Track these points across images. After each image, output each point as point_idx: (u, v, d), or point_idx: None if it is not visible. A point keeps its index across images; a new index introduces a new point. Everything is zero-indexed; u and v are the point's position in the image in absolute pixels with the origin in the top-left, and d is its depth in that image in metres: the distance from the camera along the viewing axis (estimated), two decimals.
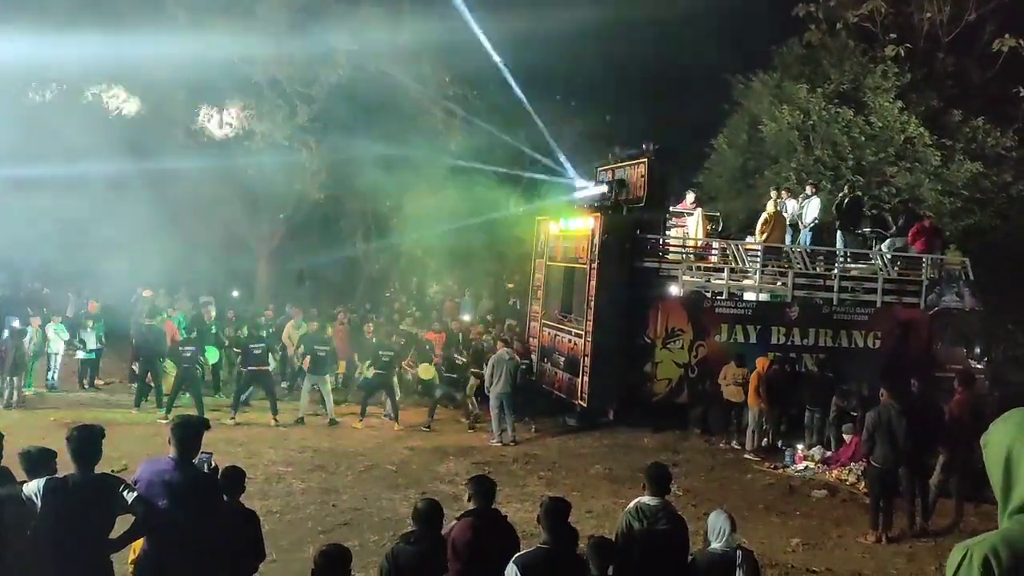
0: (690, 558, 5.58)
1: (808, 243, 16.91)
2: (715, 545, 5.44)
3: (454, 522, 5.33)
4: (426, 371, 15.67)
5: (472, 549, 5.08)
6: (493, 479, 5.73)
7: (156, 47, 17.95)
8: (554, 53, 23.42)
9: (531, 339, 17.49)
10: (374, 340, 15.47)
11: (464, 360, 15.11)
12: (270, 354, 14.91)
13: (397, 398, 14.73)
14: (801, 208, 17.32)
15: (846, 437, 12.72)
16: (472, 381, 14.95)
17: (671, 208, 17.22)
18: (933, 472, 10.44)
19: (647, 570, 5.49)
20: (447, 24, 20.68)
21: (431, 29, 20.87)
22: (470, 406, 14.84)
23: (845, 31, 23.34)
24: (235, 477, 5.72)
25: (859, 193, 18.23)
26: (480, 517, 5.27)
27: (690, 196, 17.96)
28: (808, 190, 17.73)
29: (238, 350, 15.05)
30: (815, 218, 17.15)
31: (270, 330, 16.54)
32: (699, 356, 15.14)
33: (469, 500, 5.39)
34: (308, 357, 14.43)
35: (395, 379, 14.86)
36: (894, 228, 17.26)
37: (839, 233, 17.17)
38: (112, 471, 6.58)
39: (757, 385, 13.64)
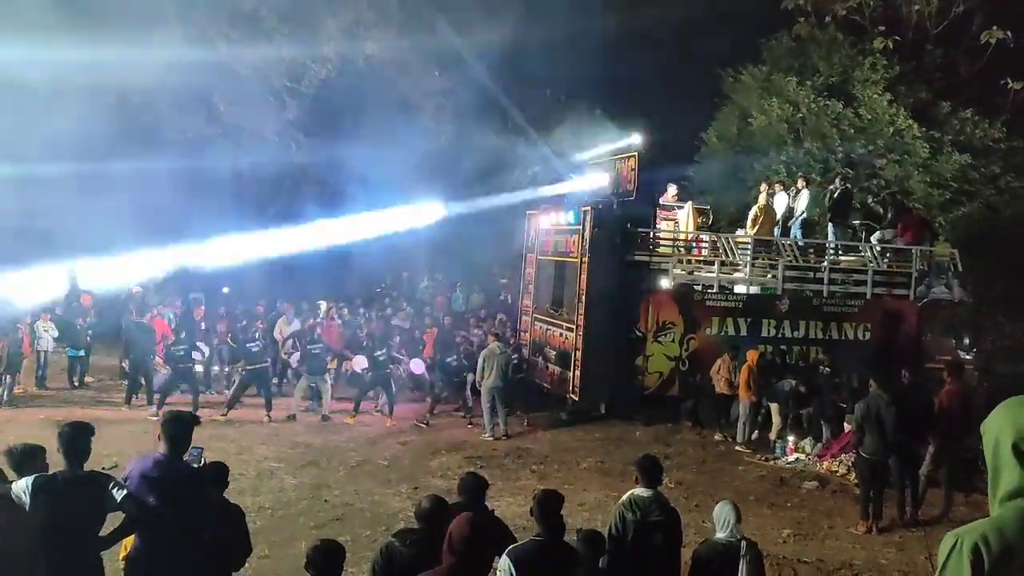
0: (695, 548, 5.62)
1: (799, 236, 16.95)
2: (720, 535, 5.49)
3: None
4: (417, 366, 15.66)
5: (469, 545, 5.08)
6: (484, 477, 5.73)
7: (145, 43, 17.84)
8: (543, 48, 23.36)
9: (522, 333, 17.50)
10: (364, 340, 15.50)
11: (456, 362, 15.06)
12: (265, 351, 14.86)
13: (393, 394, 14.71)
14: (792, 202, 17.34)
15: (847, 427, 12.74)
16: (468, 376, 14.91)
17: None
18: (922, 462, 10.50)
19: (641, 561, 5.51)
20: (437, 18, 20.64)
21: (420, 24, 20.83)
22: (469, 404, 14.80)
23: (834, 24, 23.40)
24: (218, 472, 5.71)
25: (849, 186, 18.28)
26: (478, 514, 5.30)
27: (672, 189, 17.94)
28: (799, 183, 17.77)
29: (235, 345, 14.96)
30: (804, 211, 17.17)
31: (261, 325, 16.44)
32: (690, 349, 15.18)
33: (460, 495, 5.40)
34: (298, 354, 14.49)
35: (390, 376, 14.83)
36: (884, 220, 17.32)
37: (830, 226, 17.23)
38: (103, 468, 6.56)
39: (747, 378, 13.69)
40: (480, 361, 13.82)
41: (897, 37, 22.71)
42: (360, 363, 14.79)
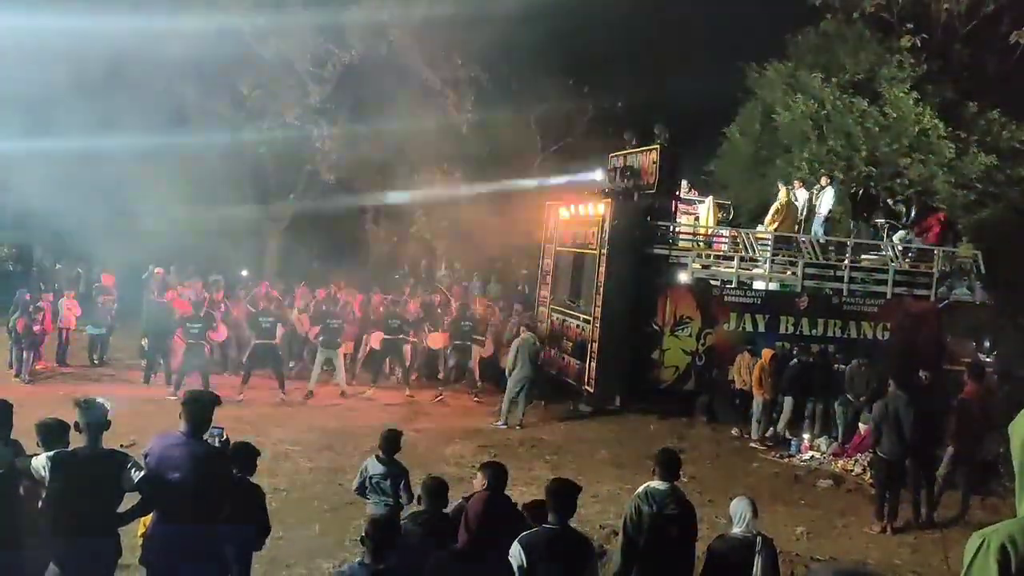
0: (709, 542, 5.65)
1: (821, 234, 16.82)
2: (736, 530, 5.50)
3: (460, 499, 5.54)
4: (435, 340, 15.75)
5: (483, 524, 5.13)
6: (505, 467, 5.76)
7: (167, 24, 17.90)
8: (567, 38, 23.28)
9: (539, 324, 17.50)
10: (381, 309, 15.70)
11: (470, 325, 15.18)
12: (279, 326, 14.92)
13: (407, 365, 14.82)
14: (815, 200, 17.19)
15: (862, 427, 12.68)
16: (475, 349, 14.99)
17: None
18: (940, 464, 10.43)
19: (655, 554, 5.52)
20: (459, 4, 20.61)
21: (443, 9, 20.79)
22: (476, 377, 14.88)
23: (861, 20, 23.14)
24: (249, 453, 5.78)
25: (873, 184, 18.12)
26: (496, 497, 5.35)
27: (684, 184, 17.82)
28: (823, 181, 17.62)
29: (252, 310, 15.10)
30: (829, 209, 17.03)
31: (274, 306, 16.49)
32: (707, 344, 15.13)
33: (482, 482, 5.47)
34: (318, 328, 14.64)
35: (405, 346, 14.94)
36: (906, 220, 17.17)
37: (852, 224, 17.09)
38: (121, 446, 6.63)
39: (760, 375, 13.64)
40: (512, 351, 13.85)
41: (925, 35, 22.43)
42: (378, 339, 14.91)
